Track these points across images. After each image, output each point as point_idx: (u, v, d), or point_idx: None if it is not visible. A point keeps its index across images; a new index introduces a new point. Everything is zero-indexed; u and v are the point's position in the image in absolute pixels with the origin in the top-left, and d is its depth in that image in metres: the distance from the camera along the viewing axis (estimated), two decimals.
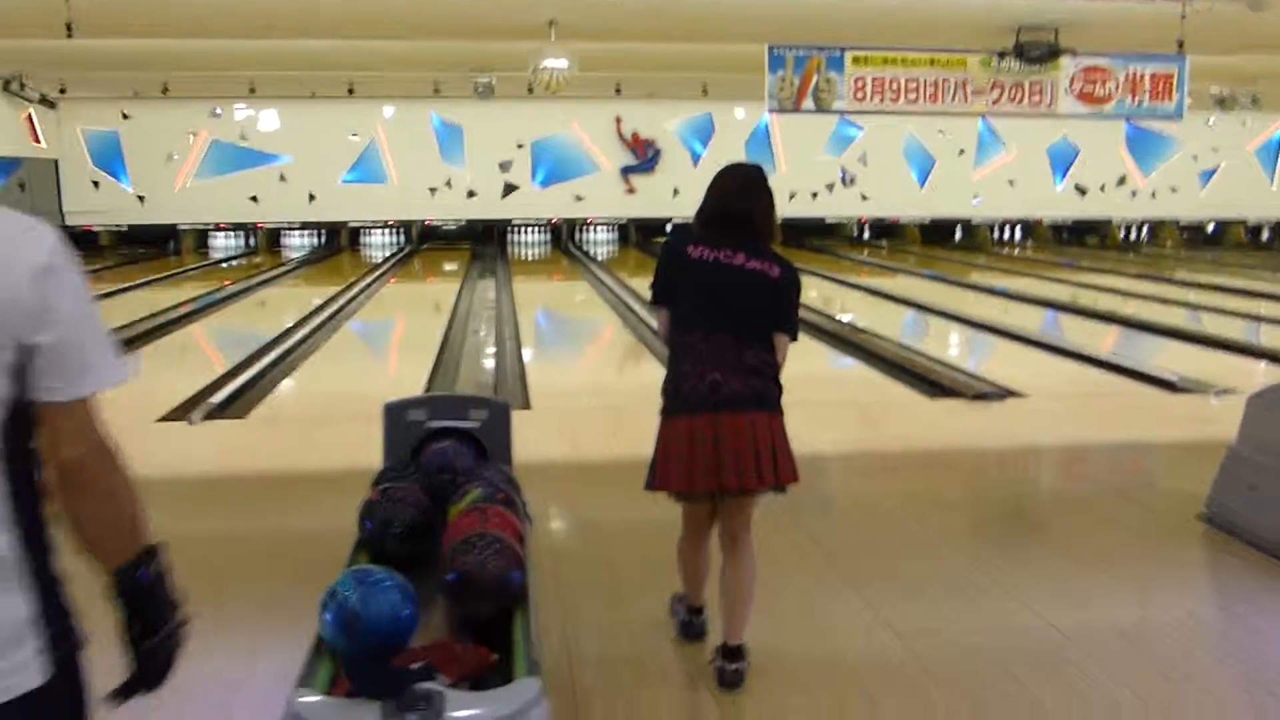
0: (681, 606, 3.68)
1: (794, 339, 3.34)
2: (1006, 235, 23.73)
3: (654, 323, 3.94)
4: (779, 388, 3.32)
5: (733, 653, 3.28)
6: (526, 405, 7.37)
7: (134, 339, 10.29)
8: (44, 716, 1.51)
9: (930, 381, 8.02)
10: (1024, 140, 22.00)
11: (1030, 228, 23.57)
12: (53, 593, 1.52)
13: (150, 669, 1.63)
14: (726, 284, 3.19)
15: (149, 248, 20.82)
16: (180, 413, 6.92)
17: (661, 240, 4.58)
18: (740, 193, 3.29)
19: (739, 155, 21.54)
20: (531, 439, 6.17)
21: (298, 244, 21.39)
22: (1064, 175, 22.65)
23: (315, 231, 21.60)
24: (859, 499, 5.56)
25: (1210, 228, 23.89)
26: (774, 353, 3.26)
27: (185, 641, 1.69)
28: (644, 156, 21.25)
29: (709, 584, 3.56)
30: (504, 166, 21.10)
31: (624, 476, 5.71)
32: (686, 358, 3.22)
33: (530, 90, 15.16)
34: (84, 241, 20.43)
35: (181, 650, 1.68)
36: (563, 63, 12.42)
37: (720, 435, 3.17)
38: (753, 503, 3.37)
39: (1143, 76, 11.73)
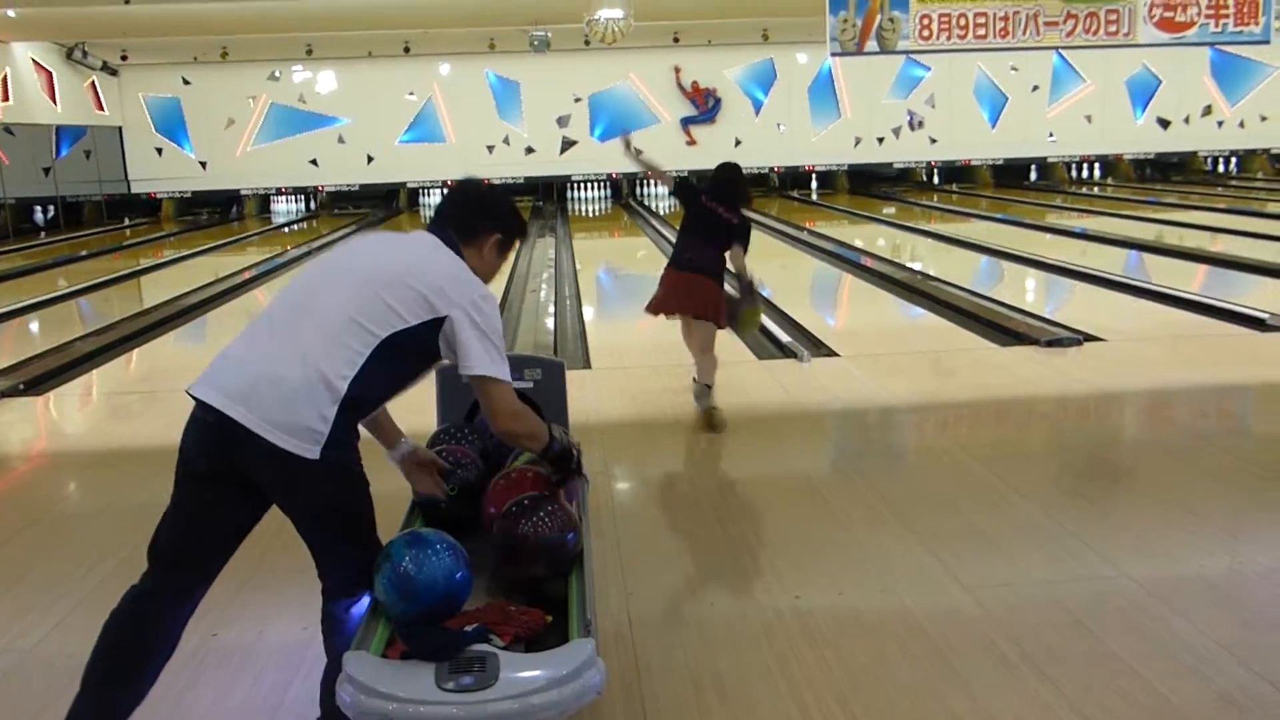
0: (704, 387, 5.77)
1: (745, 250, 5.64)
2: (1084, 174, 23.04)
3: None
4: (722, 271, 5.67)
5: (705, 385, 5.70)
6: (587, 364, 7.27)
7: (199, 305, 10.36)
8: (312, 483, 2.39)
9: (1003, 329, 7.75)
10: (1102, 73, 21.24)
11: (1110, 165, 22.85)
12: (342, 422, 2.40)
13: (565, 468, 2.96)
14: (711, 221, 5.61)
15: (213, 213, 21.07)
16: None
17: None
18: (727, 183, 5.72)
19: (802, 102, 21.18)
20: (591, 398, 6.11)
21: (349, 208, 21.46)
22: (1145, 108, 21.86)
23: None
24: (928, 451, 5.38)
25: None
26: (725, 254, 5.63)
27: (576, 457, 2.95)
28: (704, 107, 20.93)
29: (713, 371, 5.68)
30: (562, 121, 20.93)
31: (684, 435, 5.64)
32: (686, 247, 5.72)
33: (586, 43, 14.96)
34: (149, 208, 20.76)
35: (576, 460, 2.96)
36: (618, 13, 12.19)
37: (689, 283, 5.59)
38: (705, 326, 5.61)
39: None
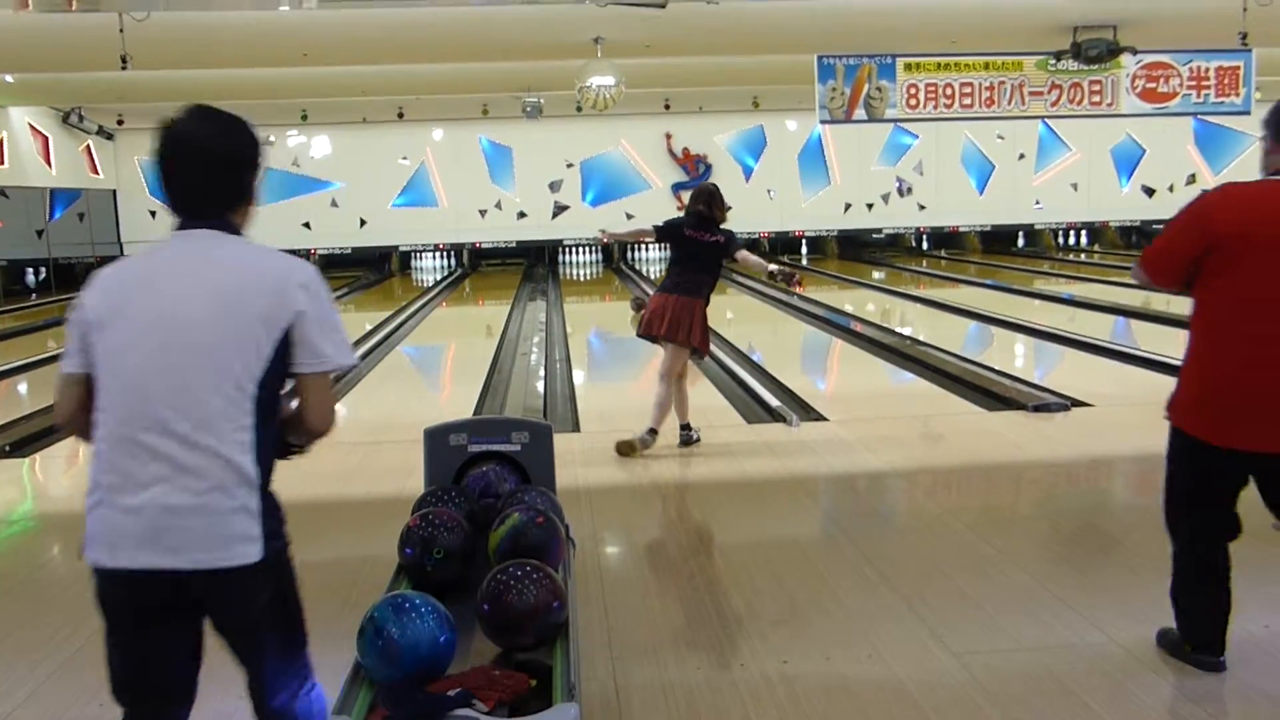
0: (681, 432, 6.39)
1: (741, 248, 6.19)
2: (1071, 240, 23.25)
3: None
4: (708, 289, 6.21)
5: (686, 425, 6.35)
6: (576, 428, 7.26)
7: None
8: (258, 585, 2.13)
9: (992, 394, 7.78)
10: (1087, 141, 21.54)
11: (1096, 232, 23.07)
12: (272, 502, 2.18)
13: None
14: (697, 249, 6.14)
15: None
16: None
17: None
18: (704, 212, 6.19)
19: (791, 168, 21.41)
20: (580, 462, 6.10)
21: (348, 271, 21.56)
22: (1130, 176, 22.12)
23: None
24: (917, 515, 5.37)
25: None
26: (717, 272, 6.25)
27: None
28: (695, 173, 21.14)
29: (688, 410, 6.33)
30: (554, 186, 21.12)
31: (672, 499, 5.63)
32: (674, 274, 6.23)
33: (578, 109, 15.13)
34: None
35: None
36: (610, 80, 12.33)
37: (676, 306, 6.09)
38: (678, 351, 6.16)
39: (1207, 71, 11.38)
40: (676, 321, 6.09)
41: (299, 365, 2.17)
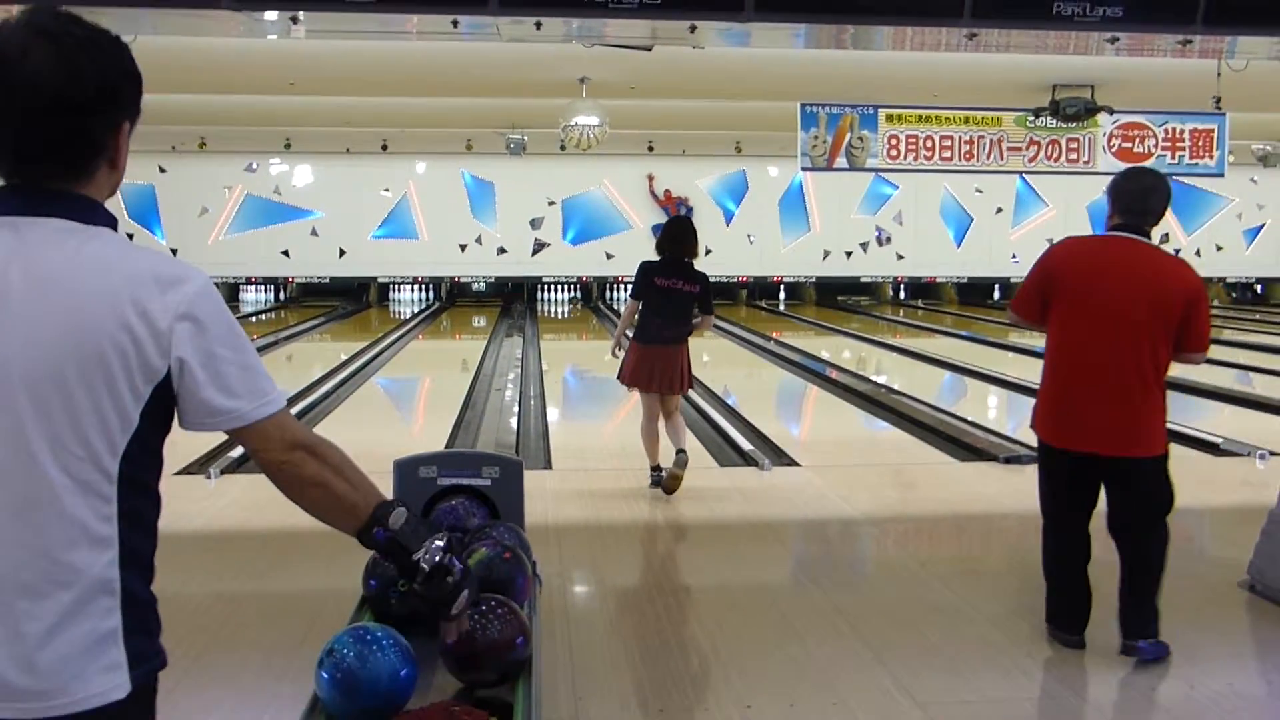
0: (649, 473, 6.28)
1: (710, 314, 6.29)
2: None
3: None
4: (688, 332, 6.19)
5: (680, 451, 6.09)
6: (548, 465, 7.24)
7: None
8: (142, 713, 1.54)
9: (964, 445, 7.81)
10: (1063, 198, 21.78)
11: None
12: (140, 612, 1.52)
13: (437, 598, 1.82)
14: (671, 297, 6.08)
15: None
16: (199, 466, 6.84)
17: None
18: (678, 243, 6.25)
19: (772, 213, 21.53)
20: (551, 499, 6.07)
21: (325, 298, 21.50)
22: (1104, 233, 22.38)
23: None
24: (887, 564, 5.36)
25: (1258, 286, 23.51)
26: (691, 323, 6.17)
27: (456, 571, 1.82)
28: (675, 215, 21.22)
29: (660, 452, 6.26)
30: (535, 224, 21.16)
31: (642, 539, 5.61)
32: (652, 321, 6.11)
33: (562, 147, 15.19)
34: None
35: (457, 580, 1.82)
36: (594, 120, 12.40)
37: (661, 358, 6.06)
38: (675, 398, 6.20)
39: (1182, 133, 11.55)
40: (668, 376, 6.11)
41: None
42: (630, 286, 6.31)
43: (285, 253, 20.72)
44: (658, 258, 6.31)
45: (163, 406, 1.50)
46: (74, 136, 1.50)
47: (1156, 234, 4.05)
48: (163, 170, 20.02)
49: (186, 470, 6.74)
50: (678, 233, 6.32)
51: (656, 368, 6.11)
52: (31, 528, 1.41)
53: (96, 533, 1.45)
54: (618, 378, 6.34)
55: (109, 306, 1.43)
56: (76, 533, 1.43)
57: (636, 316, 6.27)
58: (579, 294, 21.86)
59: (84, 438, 1.43)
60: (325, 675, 2.59)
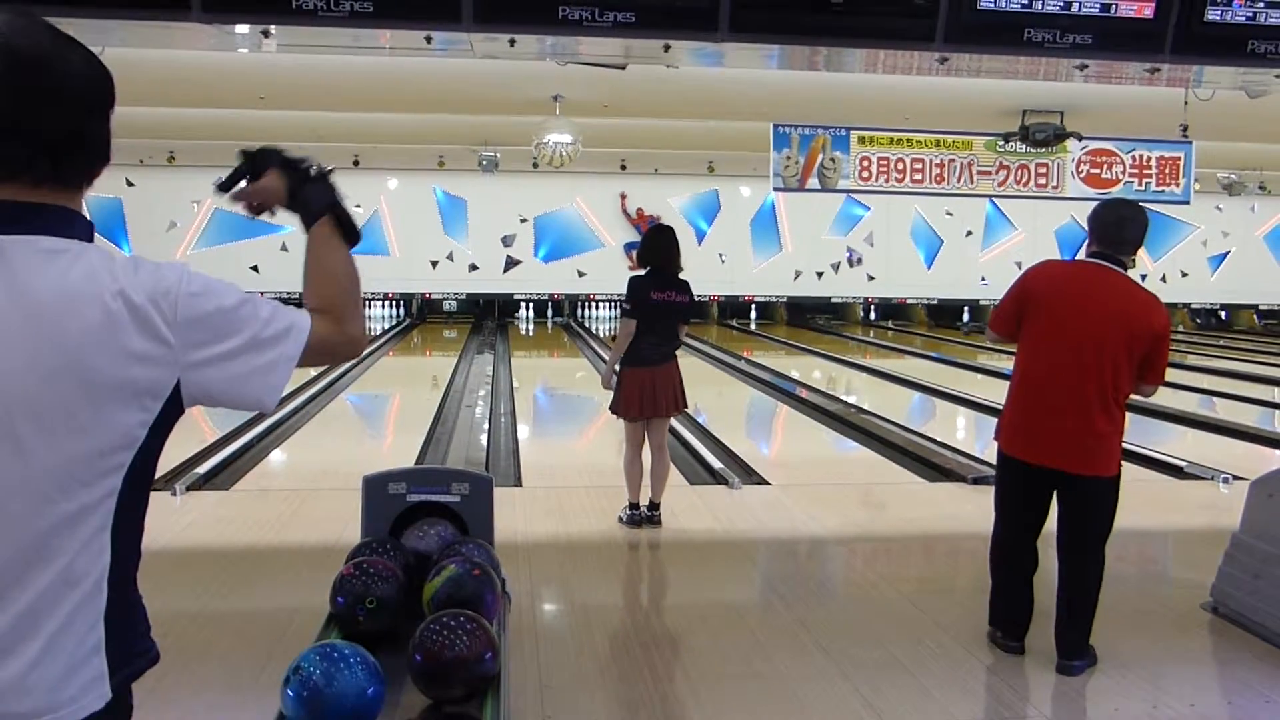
0: (626, 510, 6.00)
1: (693, 319, 6.21)
2: None
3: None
4: (679, 348, 6.00)
5: (654, 505, 5.98)
6: (518, 482, 7.21)
7: None
8: None
9: (932, 465, 7.85)
10: (1031, 222, 22.00)
11: None
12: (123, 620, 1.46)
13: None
14: (666, 310, 5.84)
15: None
16: (165, 483, 6.76)
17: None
18: (667, 254, 5.96)
19: (744, 233, 21.63)
20: (521, 516, 6.05)
21: None
22: (1073, 257, 22.58)
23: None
24: (854, 583, 5.37)
25: (1222, 313, 23.83)
26: (681, 338, 5.97)
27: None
28: (657, 225, 21.26)
29: (643, 487, 5.96)
30: (507, 241, 21.15)
31: (611, 557, 5.59)
32: (645, 341, 5.82)
33: (534, 165, 15.20)
34: None
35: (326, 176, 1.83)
36: (567, 138, 12.41)
37: (660, 378, 5.82)
38: (665, 427, 6.02)
39: (1149, 160, 11.70)
40: (668, 397, 5.88)
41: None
42: (619, 306, 6.14)
43: (255, 268, 20.59)
44: (641, 272, 6.01)
45: (168, 418, 1.45)
46: (97, 140, 1.45)
47: (1135, 274, 4.15)
48: (130, 184, 19.87)
49: (152, 487, 6.66)
50: (664, 244, 5.99)
51: (657, 390, 5.82)
52: (36, 559, 1.34)
53: (91, 555, 1.39)
54: (612, 410, 5.96)
55: (108, 333, 1.35)
56: (70, 558, 1.36)
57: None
58: (551, 311, 21.86)
59: (89, 462, 1.37)
60: (291, 693, 2.56)
